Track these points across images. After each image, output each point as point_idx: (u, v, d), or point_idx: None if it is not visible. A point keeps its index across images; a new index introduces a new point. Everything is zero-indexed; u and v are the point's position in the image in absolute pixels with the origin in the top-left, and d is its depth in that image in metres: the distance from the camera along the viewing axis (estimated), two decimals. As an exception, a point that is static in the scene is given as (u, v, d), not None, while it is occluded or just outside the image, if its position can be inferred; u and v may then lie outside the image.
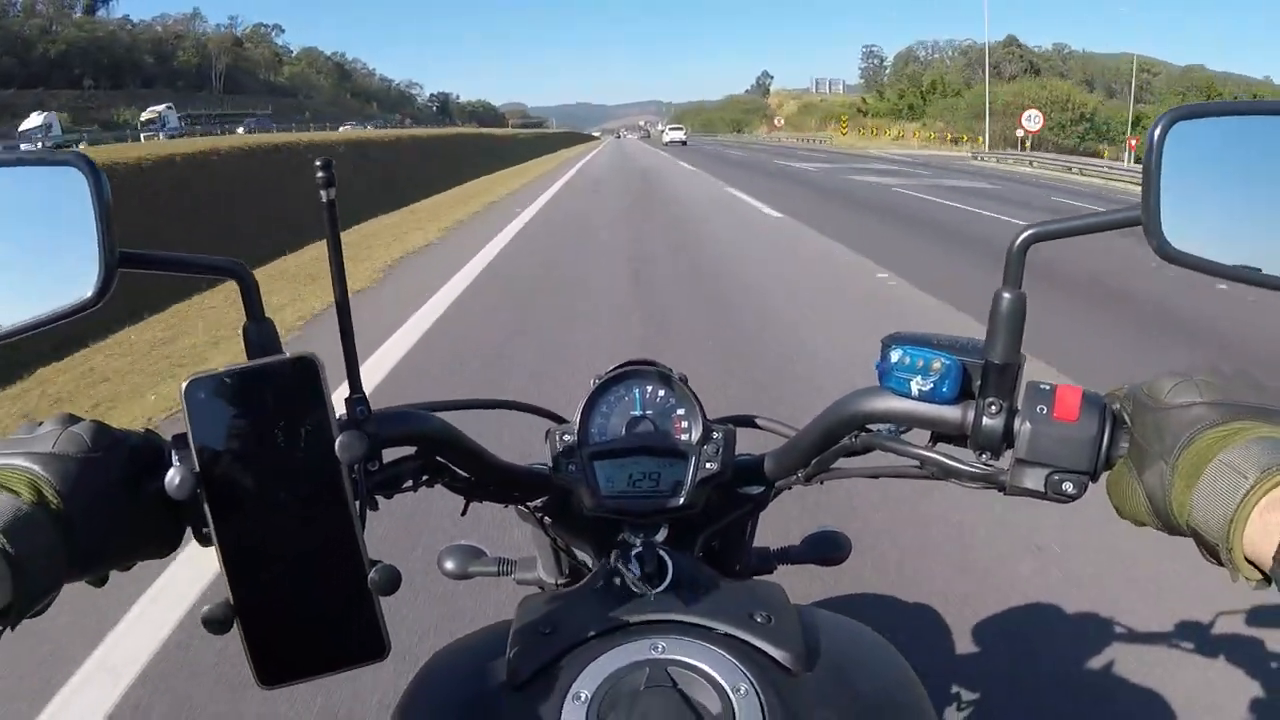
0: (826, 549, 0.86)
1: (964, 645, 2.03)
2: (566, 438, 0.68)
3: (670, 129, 71.64)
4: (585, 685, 0.53)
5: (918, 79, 73.57)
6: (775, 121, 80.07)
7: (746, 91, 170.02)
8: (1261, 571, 0.43)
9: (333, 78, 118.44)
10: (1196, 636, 1.90)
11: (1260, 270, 0.49)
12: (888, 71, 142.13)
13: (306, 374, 0.47)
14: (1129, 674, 1.87)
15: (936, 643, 2.04)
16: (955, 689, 1.78)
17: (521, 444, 0.85)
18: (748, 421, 0.77)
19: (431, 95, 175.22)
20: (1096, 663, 1.91)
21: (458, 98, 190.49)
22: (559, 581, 0.82)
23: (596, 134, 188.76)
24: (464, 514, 0.73)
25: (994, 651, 2.02)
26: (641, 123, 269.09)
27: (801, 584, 0.84)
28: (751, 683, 0.53)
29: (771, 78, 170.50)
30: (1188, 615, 1.91)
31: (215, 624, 0.46)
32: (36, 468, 0.46)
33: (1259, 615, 1.77)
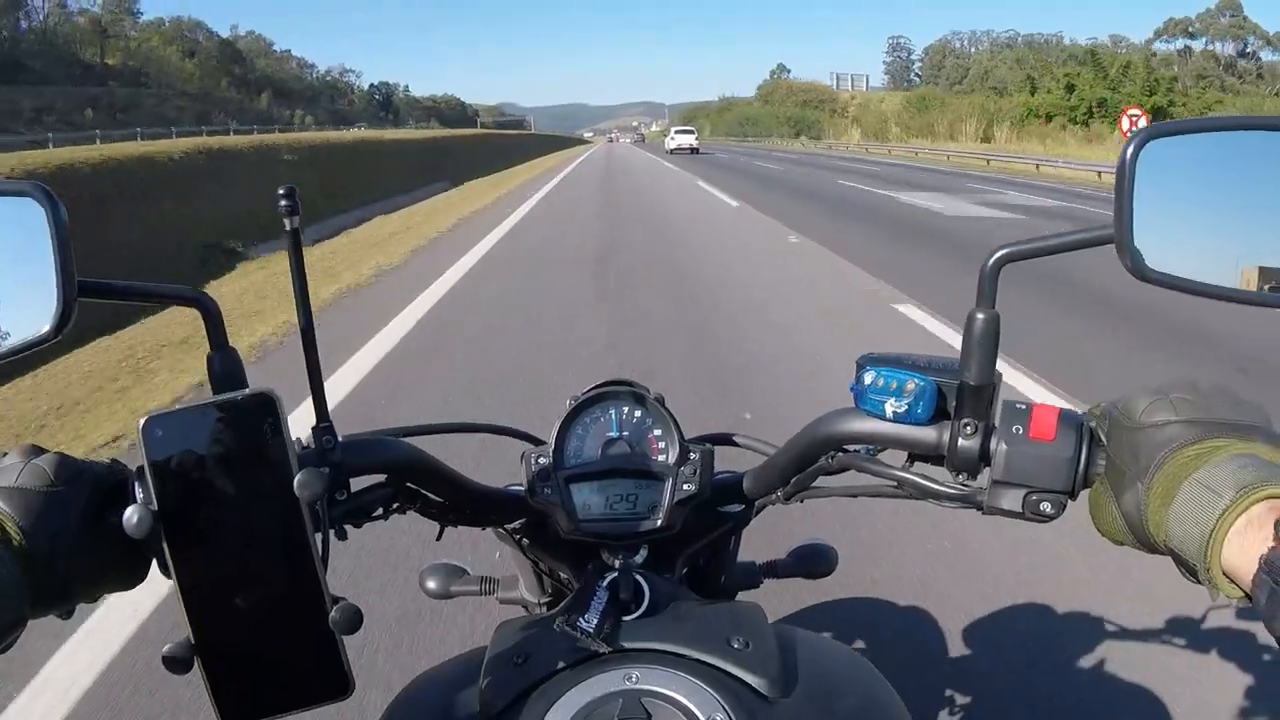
0: (813, 562, 1.13)
1: (956, 647, 2.53)
2: (542, 460, 0.88)
3: (677, 132, 68.19)
4: (558, 717, 0.70)
5: (1100, 63, 64.79)
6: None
7: (760, 88, 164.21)
8: (1243, 590, 0.55)
9: (210, 60, 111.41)
10: (1187, 630, 2.43)
11: (1235, 288, 0.68)
12: (917, 65, 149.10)
13: (265, 409, 0.63)
14: (1120, 671, 2.42)
15: (926, 645, 2.59)
16: (948, 692, 2.21)
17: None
18: (726, 440, 0.99)
19: (372, 86, 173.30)
20: (1086, 661, 2.45)
21: (406, 90, 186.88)
22: (542, 601, 1.05)
23: (588, 135, 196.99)
24: (439, 538, 0.94)
25: (985, 653, 2.64)
26: (635, 124, 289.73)
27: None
28: (727, 712, 0.70)
29: (789, 71, 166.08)
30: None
31: (176, 662, 0.61)
32: None
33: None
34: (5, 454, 0.65)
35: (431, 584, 1.17)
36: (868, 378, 0.77)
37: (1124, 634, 2.64)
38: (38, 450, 0.65)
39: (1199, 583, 0.60)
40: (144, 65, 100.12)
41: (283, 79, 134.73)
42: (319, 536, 0.65)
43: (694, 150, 62.25)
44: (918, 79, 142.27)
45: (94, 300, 0.69)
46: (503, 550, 1.06)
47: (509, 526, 0.98)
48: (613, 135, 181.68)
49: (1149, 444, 0.65)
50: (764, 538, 1.24)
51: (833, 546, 1.16)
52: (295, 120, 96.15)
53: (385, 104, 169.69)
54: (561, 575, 1.02)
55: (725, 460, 0.95)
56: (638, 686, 0.73)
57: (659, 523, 0.89)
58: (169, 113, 78.74)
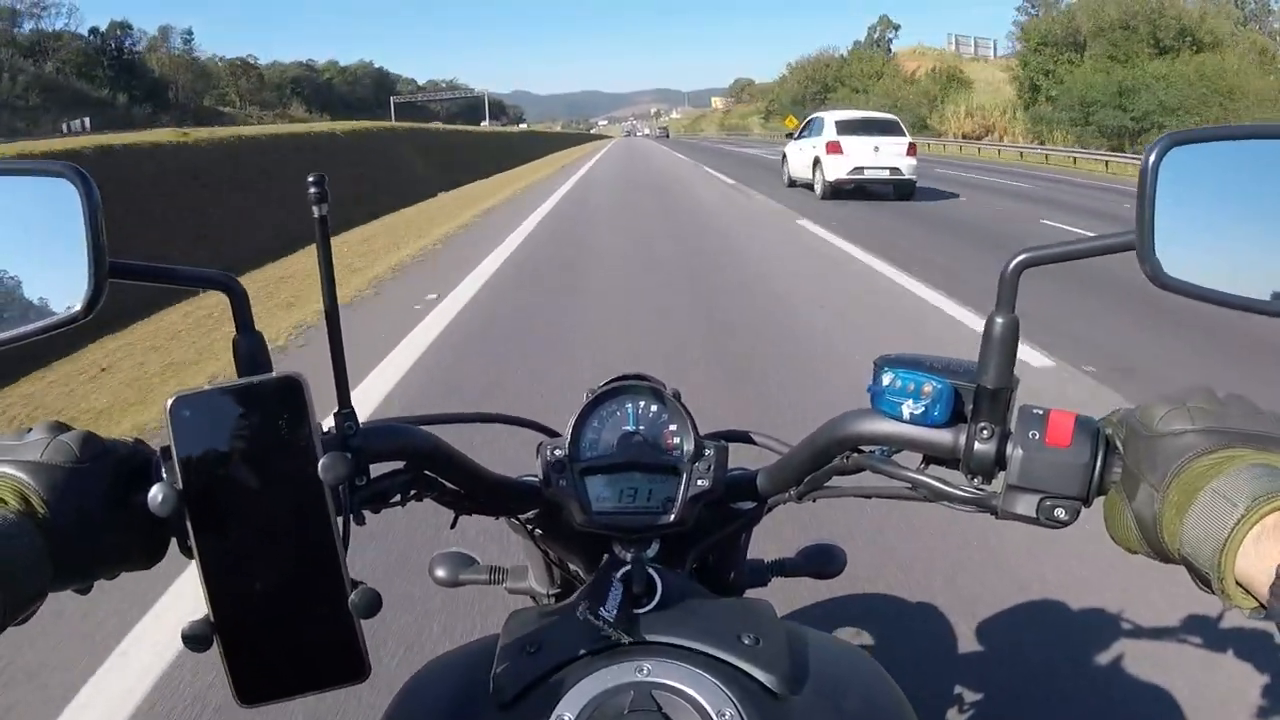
0: (821, 562, 1.17)
1: (966, 644, 2.58)
2: (557, 452, 0.91)
3: (846, 129, 19.43)
4: (569, 708, 0.73)
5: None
6: None
7: (855, 46, 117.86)
8: (1257, 600, 0.56)
9: None
10: (1202, 630, 2.48)
11: (1256, 298, 0.69)
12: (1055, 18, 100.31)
13: (291, 393, 0.66)
14: (1134, 670, 2.50)
15: (936, 643, 2.63)
16: (957, 689, 2.29)
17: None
18: (742, 437, 1.02)
19: (94, 32, 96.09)
20: (1102, 658, 2.52)
21: (188, 39, 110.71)
22: (551, 592, 1.09)
23: (602, 124, 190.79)
24: (453, 527, 0.97)
25: (995, 650, 2.68)
26: (654, 111, 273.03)
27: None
28: (737, 708, 0.72)
29: (897, 28, 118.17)
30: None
31: (195, 641, 0.64)
32: (24, 476, 0.63)
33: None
34: (30, 429, 0.68)
35: (440, 572, 1.20)
36: (885, 379, 0.79)
37: (1140, 632, 2.74)
38: (63, 427, 0.68)
39: (1211, 592, 0.62)
40: None
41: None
42: (340, 520, 0.69)
43: (898, 180, 19.56)
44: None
45: (123, 281, 0.71)
46: (512, 542, 1.10)
47: (522, 516, 1.01)
48: (630, 127, 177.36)
49: (1165, 452, 0.66)
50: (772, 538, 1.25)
51: (841, 547, 1.20)
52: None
53: (121, 66, 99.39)
54: (571, 567, 1.06)
55: (738, 459, 0.98)
56: (649, 679, 0.76)
57: (672, 517, 0.91)
58: None
